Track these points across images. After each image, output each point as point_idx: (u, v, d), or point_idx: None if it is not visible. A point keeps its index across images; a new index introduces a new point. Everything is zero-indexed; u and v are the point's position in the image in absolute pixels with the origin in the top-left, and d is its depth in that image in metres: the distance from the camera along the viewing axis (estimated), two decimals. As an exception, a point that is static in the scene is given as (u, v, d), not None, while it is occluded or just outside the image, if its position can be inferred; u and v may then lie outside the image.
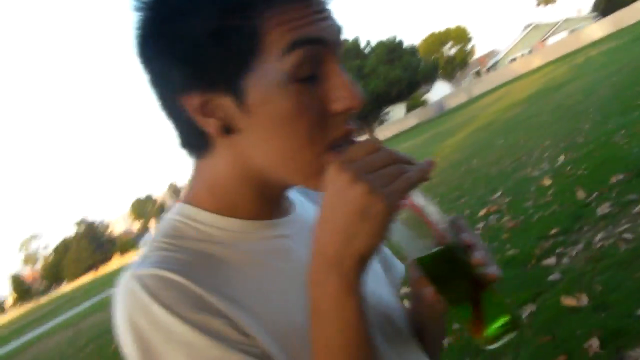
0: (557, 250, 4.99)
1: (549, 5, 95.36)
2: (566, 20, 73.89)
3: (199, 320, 0.74)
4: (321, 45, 0.78)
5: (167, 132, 0.92)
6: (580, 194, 6.28)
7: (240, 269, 0.84)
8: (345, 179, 0.69)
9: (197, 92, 0.79)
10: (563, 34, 69.42)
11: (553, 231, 5.50)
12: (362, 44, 57.37)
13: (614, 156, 7.24)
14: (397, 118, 67.91)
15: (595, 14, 73.38)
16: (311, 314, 0.76)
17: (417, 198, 0.80)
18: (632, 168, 6.15)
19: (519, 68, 54.98)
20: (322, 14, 0.79)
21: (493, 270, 0.82)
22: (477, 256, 0.82)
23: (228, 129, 0.81)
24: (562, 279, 4.41)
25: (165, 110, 0.86)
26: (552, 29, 72.62)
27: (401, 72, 52.03)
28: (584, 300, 3.86)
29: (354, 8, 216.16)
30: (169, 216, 0.89)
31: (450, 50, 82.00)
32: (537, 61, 57.58)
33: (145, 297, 0.74)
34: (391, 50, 54.19)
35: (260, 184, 0.87)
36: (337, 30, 0.81)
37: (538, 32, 73.43)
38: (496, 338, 0.82)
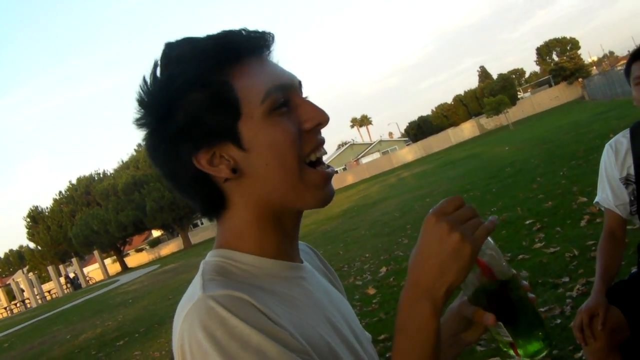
0: (387, 355, 5.01)
1: (363, 127, 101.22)
2: (379, 142, 78.76)
3: (270, 330, 0.86)
4: (286, 88, 0.99)
5: None
6: (406, 304, 6.47)
7: (277, 298, 0.97)
8: (444, 228, 0.89)
9: (203, 151, 0.96)
10: (376, 155, 73.75)
11: (382, 337, 5.53)
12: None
13: (434, 269, 7.55)
14: (210, 223, 67.67)
15: (406, 138, 78.99)
16: (398, 328, 0.93)
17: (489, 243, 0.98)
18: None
19: (334, 184, 57.29)
20: (278, 67, 1.03)
21: (532, 296, 1.01)
22: (524, 285, 1.00)
23: (236, 170, 0.97)
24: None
25: (184, 187, 1.02)
26: (367, 149, 76.93)
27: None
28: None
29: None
30: (210, 259, 1.02)
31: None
32: (350, 178, 60.38)
33: (223, 311, 0.85)
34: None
35: (275, 216, 1.02)
36: (292, 74, 1.04)
37: (353, 151, 77.48)
38: (530, 357, 0.98)
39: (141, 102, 0.99)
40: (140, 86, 0.99)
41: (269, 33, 1.02)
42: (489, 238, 0.96)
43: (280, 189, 0.99)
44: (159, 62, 0.98)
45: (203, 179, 0.99)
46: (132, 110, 1.00)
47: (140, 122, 1.00)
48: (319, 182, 1.01)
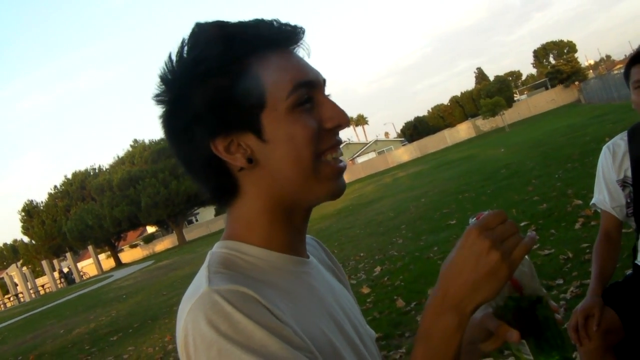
0: (382, 353, 5.05)
1: (359, 127, 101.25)
2: (375, 142, 78.76)
3: (273, 327, 0.87)
4: (312, 85, 1.00)
5: None
6: (400, 303, 6.50)
7: (281, 293, 0.98)
8: (485, 246, 0.87)
9: (221, 137, 0.97)
10: (372, 154, 73.74)
11: (376, 336, 5.53)
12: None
13: (429, 270, 7.61)
14: (205, 220, 67.90)
15: (402, 138, 78.96)
16: (421, 336, 0.92)
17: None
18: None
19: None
20: (305, 62, 1.03)
21: (559, 317, 1.01)
22: (552, 305, 1.01)
23: (251, 160, 0.98)
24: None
25: (196, 170, 1.03)
26: (362, 149, 76.89)
27: (216, 175, 52.33)
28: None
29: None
30: (217, 250, 1.03)
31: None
32: (346, 178, 60.27)
33: (228, 306, 0.86)
34: (208, 152, 54.52)
35: (285, 210, 1.03)
36: (318, 71, 1.04)
37: (349, 151, 77.44)
38: None
39: (164, 78, 0.99)
40: (165, 62, 0.99)
41: (301, 27, 1.02)
42: (533, 271, 0.98)
43: (294, 182, 0.99)
44: (186, 41, 0.99)
45: (217, 165, 1.00)
46: (154, 85, 1.01)
47: (159, 99, 1.01)
48: (331, 175, 1.01)
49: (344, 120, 1.02)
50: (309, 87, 0.99)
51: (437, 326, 0.90)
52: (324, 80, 1.04)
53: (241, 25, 0.99)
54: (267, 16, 1.03)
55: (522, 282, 0.98)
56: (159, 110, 1.02)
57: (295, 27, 1.01)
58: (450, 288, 0.90)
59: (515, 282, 0.98)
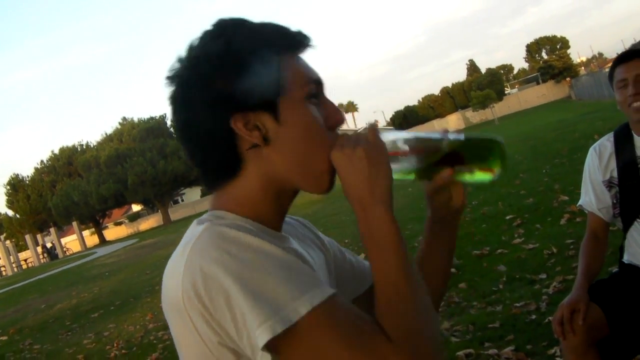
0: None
1: (349, 113, 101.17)
2: (365, 129, 78.77)
3: (282, 246, 0.98)
4: (319, 83, 1.13)
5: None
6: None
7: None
8: (347, 151, 1.05)
9: (240, 114, 1.04)
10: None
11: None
12: (169, 123, 57.22)
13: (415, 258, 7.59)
14: (190, 200, 67.85)
15: (391, 127, 78.96)
16: (365, 242, 1.03)
17: (389, 136, 1.14)
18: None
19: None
20: (311, 65, 1.14)
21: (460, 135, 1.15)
22: (448, 130, 1.15)
23: (266, 138, 1.06)
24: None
25: (206, 146, 1.08)
26: (352, 136, 76.78)
27: (204, 156, 52.24)
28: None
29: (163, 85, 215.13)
30: (205, 217, 1.08)
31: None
32: (334, 164, 60.37)
33: (234, 232, 0.96)
34: (197, 133, 54.42)
35: (278, 192, 1.11)
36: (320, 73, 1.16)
37: (338, 138, 77.40)
38: (504, 167, 1.13)
39: (189, 57, 1.08)
40: (191, 45, 1.09)
41: (310, 36, 1.14)
42: (402, 133, 1.15)
43: (300, 164, 1.09)
44: (216, 29, 1.09)
45: (229, 141, 1.07)
46: (171, 59, 1.10)
47: (175, 74, 1.09)
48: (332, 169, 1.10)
49: (343, 119, 1.14)
50: (317, 84, 1.11)
51: (373, 225, 1.02)
52: (324, 82, 1.16)
53: (274, 24, 1.12)
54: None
55: (419, 147, 1.14)
56: (169, 87, 1.11)
57: (307, 35, 1.13)
58: (359, 194, 1.03)
59: (413, 150, 1.14)
